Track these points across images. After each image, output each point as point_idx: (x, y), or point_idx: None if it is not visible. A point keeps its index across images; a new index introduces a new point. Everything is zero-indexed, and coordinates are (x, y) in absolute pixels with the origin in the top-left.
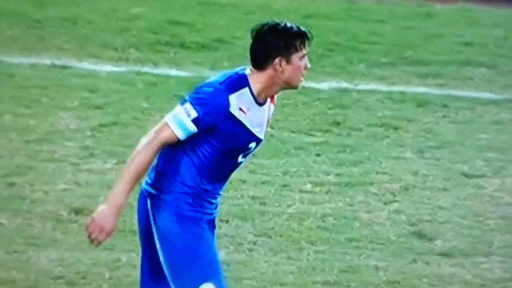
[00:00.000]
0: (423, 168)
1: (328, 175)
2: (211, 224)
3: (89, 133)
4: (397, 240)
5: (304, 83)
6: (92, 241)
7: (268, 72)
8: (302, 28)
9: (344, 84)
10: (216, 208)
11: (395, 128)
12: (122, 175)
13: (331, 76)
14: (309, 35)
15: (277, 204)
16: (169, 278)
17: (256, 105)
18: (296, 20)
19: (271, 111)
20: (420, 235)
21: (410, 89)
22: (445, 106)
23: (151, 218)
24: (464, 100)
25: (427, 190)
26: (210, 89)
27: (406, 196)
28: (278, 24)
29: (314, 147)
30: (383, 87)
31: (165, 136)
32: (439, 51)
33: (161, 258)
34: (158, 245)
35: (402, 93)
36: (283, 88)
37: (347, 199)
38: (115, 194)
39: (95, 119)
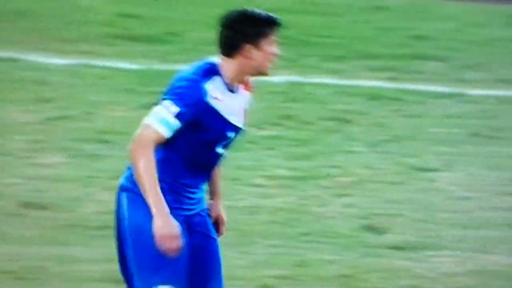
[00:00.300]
0: (375, 162)
1: (280, 169)
2: (192, 219)
3: (38, 127)
4: (349, 234)
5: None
6: (171, 252)
7: (238, 59)
8: (271, 15)
9: (295, 78)
10: (198, 202)
11: (347, 122)
12: (144, 190)
13: (282, 69)
14: (278, 21)
15: (228, 198)
16: (131, 271)
17: (229, 93)
18: None
19: (248, 100)
20: (371, 228)
21: (362, 82)
22: (396, 99)
23: (125, 211)
24: (415, 93)
25: (379, 183)
26: (186, 82)
27: (357, 190)
28: (246, 11)
29: (265, 141)
30: (335, 81)
31: (151, 138)
32: (390, 45)
33: (127, 251)
34: (127, 238)
35: (353, 86)
36: (253, 75)
37: (299, 193)
38: (155, 206)
39: (44, 112)
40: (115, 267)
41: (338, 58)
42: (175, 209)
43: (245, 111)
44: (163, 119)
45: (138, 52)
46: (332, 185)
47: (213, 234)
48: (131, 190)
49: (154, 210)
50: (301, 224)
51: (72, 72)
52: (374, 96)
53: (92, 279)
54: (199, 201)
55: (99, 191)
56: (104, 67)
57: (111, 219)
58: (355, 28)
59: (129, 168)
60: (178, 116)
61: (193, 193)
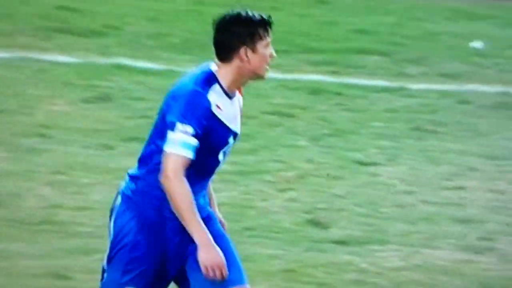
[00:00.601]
0: (318, 156)
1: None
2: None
3: None
4: (293, 229)
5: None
6: (218, 279)
7: (235, 63)
8: (265, 16)
9: None
10: (201, 209)
11: (289, 116)
12: (186, 222)
13: None
14: (271, 22)
15: None
16: (106, 258)
17: (227, 99)
18: (187, 7)
19: (241, 103)
20: (315, 223)
21: (304, 76)
22: (338, 94)
23: (115, 212)
24: (357, 88)
25: (322, 178)
26: (189, 96)
27: (301, 184)
28: (240, 14)
29: None
30: (277, 75)
31: (178, 165)
32: (332, 39)
33: (110, 241)
34: (111, 231)
35: (295, 80)
36: (251, 79)
37: (242, 188)
38: (197, 234)
39: None
40: (56, 262)
41: (280, 52)
42: (162, 217)
43: (240, 114)
44: (183, 143)
45: (77, 45)
46: (275, 180)
47: (221, 231)
48: (128, 198)
49: (198, 241)
50: (245, 219)
51: (10, 66)
52: (316, 90)
53: (34, 275)
54: (202, 207)
55: (39, 186)
56: (42, 61)
57: (52, 214)
58: (296, 22)
59: (128, 174)
60: (195, 134)
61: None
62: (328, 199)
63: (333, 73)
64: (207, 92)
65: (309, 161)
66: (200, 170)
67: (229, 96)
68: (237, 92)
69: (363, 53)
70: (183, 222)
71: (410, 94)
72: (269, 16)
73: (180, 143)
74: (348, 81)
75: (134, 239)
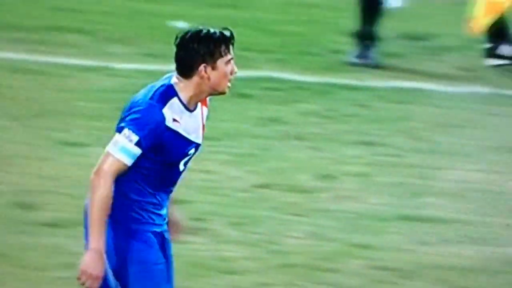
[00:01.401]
0: (24, 137)
1: None
2: (161, 237)
3: None
4: (1, 212)
5: None
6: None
7: (195, 80)
8: (226, 33)
9: None
10: (164, 219)
11: None
12: (91, 220)
13: None
14: (233, 39)
15: None
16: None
17: (187, 112)
18: None
19: (205, 115)
20: (24, 205)
21: (4, 55)
22: (42, 73)
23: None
24: (62, 67)
25: (30, 159)
26: (143, 108)
27: (8, 166)
28: (201, 31)
29: None
30: None
31: (113, 167)
32: (32, 16)
33: (110, 270)
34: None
35: None
36: (211, 95)
37: None
38: (93, 239)
39: None
40: None
41: None
42: (149, 225)
43: (203, 125)
44: (123, 147)
45: None
46: None
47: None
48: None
49: (91, 245)
50: None
51: None
52: (18, 69)
53: None
54: (166, 217)
55: None
56: None
57: None
58: None
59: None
60: (138, 144)
61: (161, 209)
62: (36, 181)
63: (35, 51)
64: (162, 106)
65: (15, 142)
66: (163, 181)
67: (189, 109)
68: (199, 105)
69: (65, 31)
70: (91, 222)
71: (115, 73)
72: (231, 32)
73: (121, 147)
74: (52, 60)
75: (136, 256)
